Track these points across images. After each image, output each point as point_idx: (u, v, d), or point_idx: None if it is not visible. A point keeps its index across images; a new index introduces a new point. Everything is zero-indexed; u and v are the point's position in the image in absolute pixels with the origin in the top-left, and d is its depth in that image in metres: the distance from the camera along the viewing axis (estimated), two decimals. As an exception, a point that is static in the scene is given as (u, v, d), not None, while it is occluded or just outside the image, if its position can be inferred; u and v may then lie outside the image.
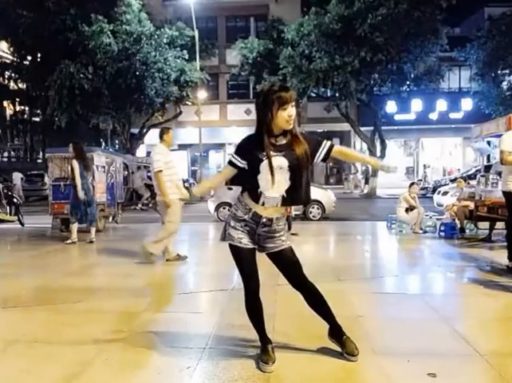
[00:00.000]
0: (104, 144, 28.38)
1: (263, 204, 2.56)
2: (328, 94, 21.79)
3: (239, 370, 2.59)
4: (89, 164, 7.80)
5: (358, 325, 3.30)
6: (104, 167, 9.15)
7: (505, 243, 5.48)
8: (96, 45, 18.06)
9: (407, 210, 8.36)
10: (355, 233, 8.78)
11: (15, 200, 11.14)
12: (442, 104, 23.30)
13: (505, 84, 21.53)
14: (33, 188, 20.62)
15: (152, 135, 21.19)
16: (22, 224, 10.30)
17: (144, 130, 22.72)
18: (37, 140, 34.49)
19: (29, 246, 7.88)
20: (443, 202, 11.52)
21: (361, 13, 16.61)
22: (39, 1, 18.45)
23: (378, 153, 19.70)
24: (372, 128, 20.51)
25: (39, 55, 22.42)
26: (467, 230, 7.99)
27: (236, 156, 2.63)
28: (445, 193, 12.48)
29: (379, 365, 2.66)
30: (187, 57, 20.44)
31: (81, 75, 18.17)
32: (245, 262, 2.64)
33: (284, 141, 2.56)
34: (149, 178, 14.81)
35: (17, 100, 32.12)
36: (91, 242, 7.46)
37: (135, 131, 22.80)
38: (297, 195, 2.58)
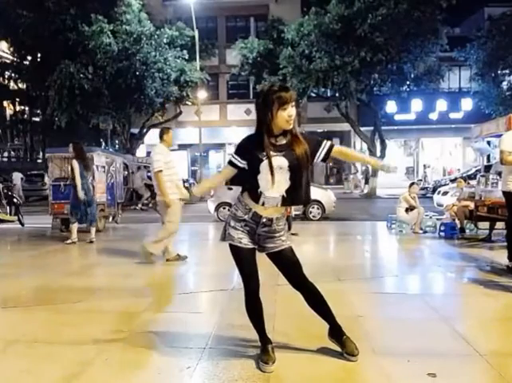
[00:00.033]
0: (104, 144, 28.37)
1: (263, 204, 2.56)
2: (328, 94, 21.79)
3: (239, 370, 2.59)
4: (89, 164, 7.80)
5: (358, 325, 3.30)
6: (104, 167, 9.15)
7: (505, 243, 5.48)
8: (96, 45, 18.06)
9: (407, 210, 8.36)
10: (355, 233, 8.78)
11: (15, 200, 11.14)
12: (442, 104, 23.30)
13: (505, 84, 21.53)
14: (33, 188, 20.62)
15: (152, 135, 21.19)
16: (22, 224, 10.31)
17: (144, 130, 22.72)
18: (37, 140, 34.49)
19: (29, 246, 7.88)
20: (443, 202, 11.52)
21: (361, 13, 16.61)
22: (39, 1, 18.45)
23: (378, 153, 19.70)
24: (372, 128, 20.51)
25: (39, 55, 22.42)
26: (467, 230, 7.99)
27: (236, 156, 2.63)
28: (445, 193, 12.49)
29: (379, 365, 2.66)
30: (187, 57, 20.44)
31: (81, 75, 18.17)
32: (245, 262, 2.65)
33: (284, 141, 2.56)
34: (149, 178, 14.83)
35: (17, 100, 32.12)
36: (91, 242, 7.47)
37: (135, 131, 22.80)
38: (297, 195, 2.58)
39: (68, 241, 7.42)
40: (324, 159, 2.67)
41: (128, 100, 19.81)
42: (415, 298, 4.19)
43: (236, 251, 2.64)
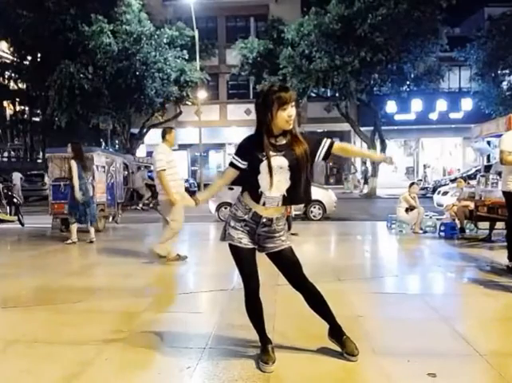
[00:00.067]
0: (104, 144, 28.37)
1: (264, 204, 2.57)
2: (328, 94, 21.80)
3: (239, 370, 2.59)
4: (88, 165, 7.79)
5: (358, 325, 3.30)
6: (104, 167, 9.14)
7: (505, 243, 5.48)
8: (96, 45, 18.06)
9: (407, 210, 8.36)
10: (355, 233, 8.78)
11: (15, 200, 11.15)
12: (442, 104, 23.30)
13: (505, 84, 21.53)
14: (33, 188, 20.59)
15: (152, 135, 21.21)
16: (22, 224, 10.30)
17: (144, 130, 22.73)
18: (37, 140, 34.47)
19: (29, 246, 7.88)
20: (443, 202, 11.52)
21: (361, 13, 16.61)
22: (39, 1, 18.46)
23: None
24: (372, 128, 20.51)
25: (39, 55, 22.42)
26: (467, 230, 7.99)
27: (237, 157, 2.64)
28: (445, 193, 12.48)
29: (379, 365, 2.66)
30: (187, 57, 20.44)
31: (81, 75, 18.18)
32: (245, 262, 2.65)
33: (284, 141, 2.56)
34: (150, 178, 14.82)
35: (17, 100, 32.08)
36: (91, 242, 7.46)
37: (135, 131, 22.80)
38: (297, 194, 2.58)
39: (68, 241, 7.43)
40: (325, 158, 2.67)
41: (128, 100, 19.81)
42: (415, 298, 4.19)
43: (236, 251, 2.64)
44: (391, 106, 21.38)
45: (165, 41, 19.66)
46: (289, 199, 2.58)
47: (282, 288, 3.71)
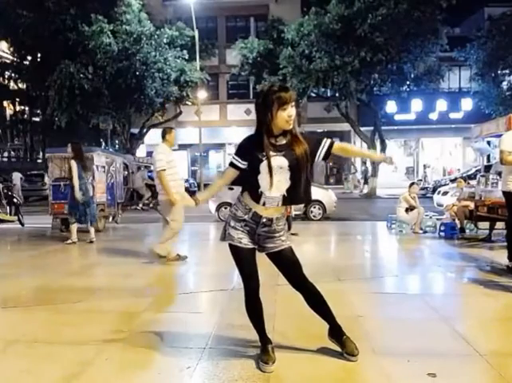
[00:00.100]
0: (104, 144, 28.37)
1: (264, 204, 2.57)
2: (328, 94, 21.80)
3: (239, 370, 2.59)
4: (88, 165, 7.79)
5: (358, 325, 3.30)
6: (104, 167, 9.14)
7: (505, 243, 5.48)
8: (96, 45, 18.06)
9: (407, 210, 8.36)
10: (355, 233, 8.78)
11: (15, 200, 11.15)
12: (442, 104, 23.30)
13: (505, 84, 21.53)
14: (33, 188, 20.59)
15: (152, 135, 21.21)
16: (22, 224, 10.30)
17: (144, 130, 22.73)
18: (37, 140, 34.47)
19: (29, 246, 7.88)
20: (443, 202, 11.52)
21: (361, 13, 16.61)
22: (39, 1, 18.46)
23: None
24: (372, 128, 20.51)
25: (39, 55, 22.42)
26: (467, 230, 7.99)
27: (237, 157, 2.64)
28: (445, 193, 12.48)
29: (379, 365, 2.66)
30: (187, 57, 20.45)
31: (81, 75, 18.17)
32: (245, 262, 2.65)
33: (284, 141, 2.57)
34: (150, 178, 14.81)
35: (17, 100, 32.08)
36: (91, 242, 7.46)
37: (135, 131, 22.80)
38: (297, 194, 2.58)
39: (68, 241, 7.43)
40: (325, 158, 2.67)
41: (128, 100, 19.81)
42: (415, 298, 4.19)
43: (236, 251, 2.64)
44: (391, 106, 21.39)
45: (165, 41, 19.66)
46: (289, 199, 2.59)
47: (282, 288, 3.71)
